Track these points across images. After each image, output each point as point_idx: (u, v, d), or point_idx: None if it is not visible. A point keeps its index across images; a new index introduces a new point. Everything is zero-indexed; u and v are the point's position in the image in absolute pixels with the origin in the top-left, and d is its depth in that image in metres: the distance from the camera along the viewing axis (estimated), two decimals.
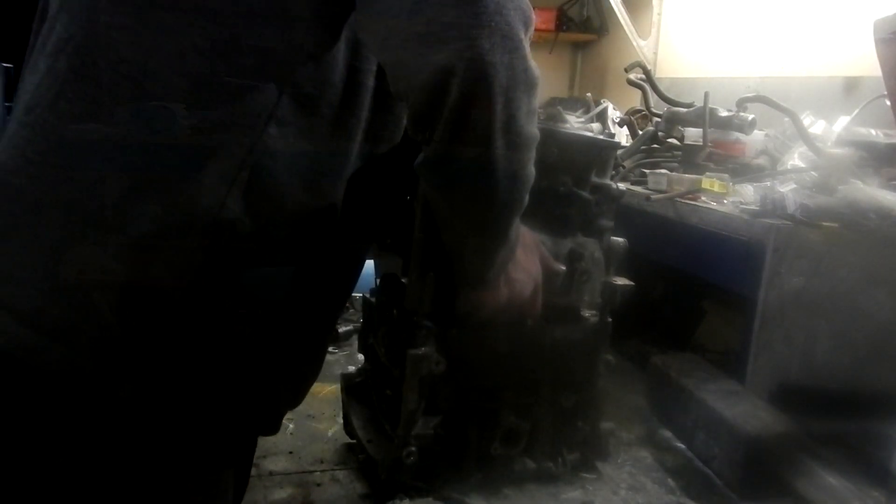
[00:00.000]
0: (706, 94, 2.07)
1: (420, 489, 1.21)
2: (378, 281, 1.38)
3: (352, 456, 1.42)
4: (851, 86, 2.47)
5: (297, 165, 0.82)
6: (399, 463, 1.19)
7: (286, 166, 0.81)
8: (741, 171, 1.97)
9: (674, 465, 1.40)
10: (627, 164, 2.15)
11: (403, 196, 1.05)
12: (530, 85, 0.80)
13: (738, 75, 3.04)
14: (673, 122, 2.19)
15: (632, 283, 1.29)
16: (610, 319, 1.29)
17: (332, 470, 1.39)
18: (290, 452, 1.43)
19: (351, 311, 2.22)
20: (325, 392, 1.70)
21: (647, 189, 1.97)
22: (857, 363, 1.60)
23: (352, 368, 1.63)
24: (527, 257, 1.03)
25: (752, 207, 1.65)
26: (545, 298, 1.10)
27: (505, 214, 0.89)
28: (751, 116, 2.03)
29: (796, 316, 1.57)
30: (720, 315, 2.15)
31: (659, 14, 3.81)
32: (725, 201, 1.76)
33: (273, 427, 0.95)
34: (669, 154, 2.17)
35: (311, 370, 0.98)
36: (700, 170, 1.96)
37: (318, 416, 1.59)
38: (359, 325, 1.61)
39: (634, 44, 3.74)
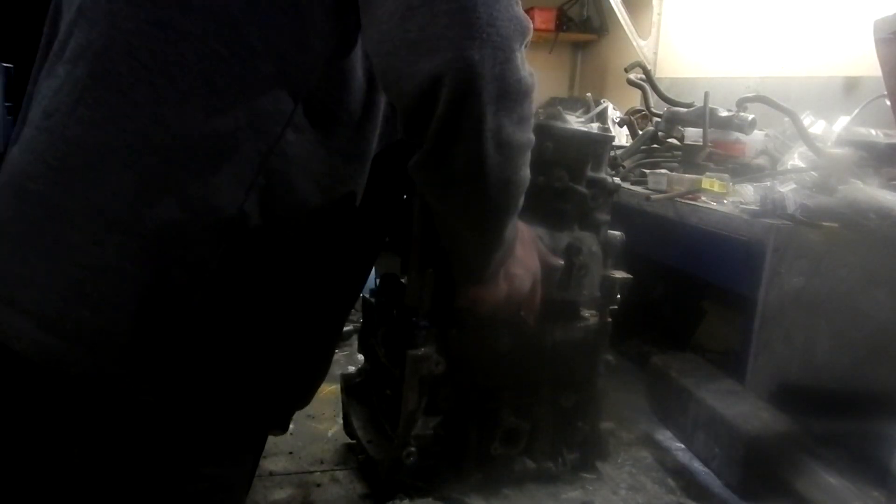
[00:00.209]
0: (706, 94, 2.07)
1: (420, 489, 1.21)
2: (378, 281, 1.38)
3: (352, 456, 1.42)
4: (851, 86, 2.47)
5: (315, 171, 0.83)
6: (399, 463, 1.19)
7: (303, 172, 0.82)
8: (741, 171, 1.97)
9: (674, 465, 1.40)
10: (627, 164, 2.15)
11: (401, 194, 1.05)
12: (522, 95, 0.80)
13: (738, 75, 3.04)
14: (673, 122, 2.19)
15: (630, 276, 1.29)
16: (610, 319, 1.30)
17: (332, 470, 1.39)
18: (290, 452, 1.43)
19: (351, 310, 2.22)
20: (325, 392, 1.70)
21: (647, 189, 1.97)
22: (857, 363, 1.60)
23: (352, 368, 1.63)
24: (525, 253, 1.04)
25: (752, 207, 1.65)
26: (544, 293, 1.10)
27: (498, 217, 0.90)
28: (751, 116, 2.03)
29: (796, 316, 1.57)
30: (720, 315, 2.16)
31: (659, 14, 3.81)
32: (725, 201, 1.76)
33: (283, 425, 0.95)
34: (669, 154, 2.18)
35: (320, 369, 0.98)
36: (700, 170, 1.96)
37: (318, 416, 1.59)
38: (359, 325, 1.61)
39: (634, 44, 3.74)
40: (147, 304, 0.77)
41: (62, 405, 0.80)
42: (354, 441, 1.40)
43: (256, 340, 0.84)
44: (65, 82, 0.81)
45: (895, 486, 1.25)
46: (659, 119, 2.26)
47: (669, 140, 2.21)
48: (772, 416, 1.39)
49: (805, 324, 1.58)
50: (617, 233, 1.30)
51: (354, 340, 1.91)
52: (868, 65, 1.95)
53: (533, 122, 0.85)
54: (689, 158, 2.05)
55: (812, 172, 1.75)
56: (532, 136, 0.86)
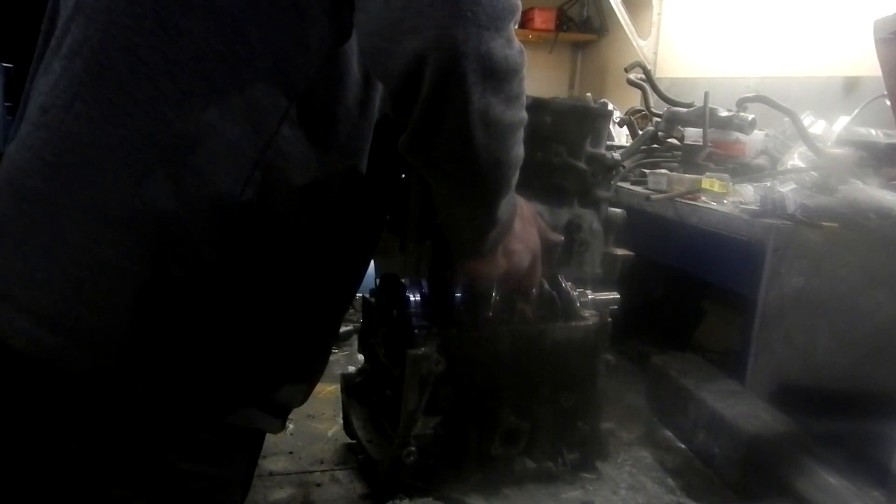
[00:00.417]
0: (706, 94, 2.07)
1: (420, 489, 1.21)
2: (378, 281, 1.38)
3: (352, 456, 1.42)
4: (851, 86, 2.47)
5: (311, 167, 0.83)
6: (399, 463, 1.19)
7: (300, 168, 0.82)
8: (741, 171, 1.97)
9: (674, 465, 1.40)
10: (627, 164, 2.15)
11: (399, 173, 1.04)
12: (511, 73, 0.78)
13: (738, 75, 3.04)
14: (673, 122, 2.19)
15: (632, 253, 1.28)
16: (610, 319, 1.29)
17: (332, 470, 1.39)
18: (290, 452, 1.43)
19: (351, 311, 2.22)
20: (325, 392, 1.70)
21: (647, 189, 1.97)
22: (857, 363, 1.60)
23: (352, 368, 1.63)
24: (525, 228, 1.03)
25: (752, 207, 1.65)
26: (544, 269, 1.10)
27: (489, 197, 0.89)
28: (751, 116, 2.03)
29: (796, 316, 1.57)
30: (720, 315, 2.16)
31: (659, 14, 3.81)
32: (725, 201, 1.76)
33: (281, 422, 0.95)
34: (669, 154, 2.18)
35: (318, 366, 0.98)
36: (700, 170, 1.96)
37: (318, 416, 1.59)
38: (359, 325, 1.61)
39: (634, 44, 3.74)
40: (145, 301, 0.77)
41: (60, 403, 0.80)
42: (354, 441, 1.40)
43: (253, 337, 0.85)
44: (61, 78, 0.81)
45: (895, 486, 1.25)
46: (659, 119, 2.26)
47: (669, 140, 2.21)
48: (772, 416, 1.39)
49: (805, 324, 1.58)
50: (618, 210, 1.29)
51: (354, 340, 1.91)
52: (868, 65, 1.95)
53: (525, 99, 0.84)
54: (689, 158, 2.05)
55: (812, 172, 1.75)
56: (524, 115, 0.84)
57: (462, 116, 0.77)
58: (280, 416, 0.93)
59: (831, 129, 2.13)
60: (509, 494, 1.24)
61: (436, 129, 0.79)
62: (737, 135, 2.06)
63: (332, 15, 0.80)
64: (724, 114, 2.07)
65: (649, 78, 2.53)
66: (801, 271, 1.55)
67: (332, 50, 0.81)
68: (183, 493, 0.86)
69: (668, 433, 1.51)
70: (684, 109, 2.19)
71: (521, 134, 0.86)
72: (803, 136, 1.94)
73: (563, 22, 4.71)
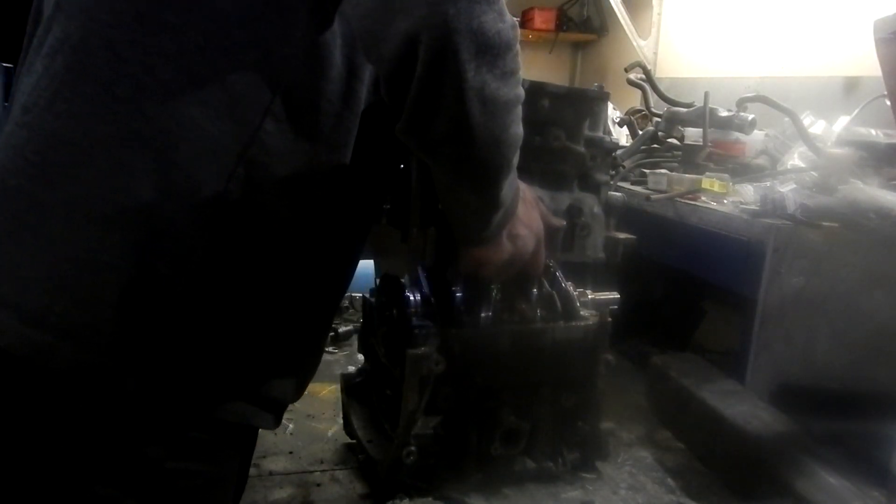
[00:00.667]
0: (706, 94, 2.07)
1: (420, 489, 1.21)
2: (378, 281, 1.38)
3: (352, 456, 1.42)
4: (851, 86, 2.48)
5: (296, 161, 0.83)
6: (399, 463, 1.19)
7: (284, 162, 0.82)
8: (741, 171, 1.97)
9: (674, 465, 1.40)
10: (627, 164, 2.15)
11: (389, 163, 1.03)
12: (505, 48, 0.77)
13: (738, 75, 3.04)
14: (673, 122, 2.19)
15: (633, 236, 1.28)
16: (610, 319, 1.29)
17: (332, 470, 1.39)
18: (290, 452, 1.43)
19: (351, 311, 2.22)
20: (325, 392, 1.70)
21: (647, 189, 1.97)
22: (857, 363, 1.60)
23: (352, 368, 1.63)
24: (528, 212, 1.02)
25: (752, 207, 1.65)
26: (547, 254, 1.08)
27: (491, 177, 0.87)
28: (751, 116, 2.03)
29: (796, 316, 1.57)
30: (720, 315, 2.16)
31: (659, 14, 3.81)
32: (725, 201, 1.76)
33: (275, 420, 0.94)
34: (669, 154, 2.18)
35: (310, 362, 0.97)
36: (700, 170, 1.96)
37: (318, 416, 1.59)
38: (359, 325, 1.61)
39: (634, 44, 3.74)
40: (130, 297, 0.77)
41: (46, 400, 0.80)
42: (354, 441, 1.40)
43: (241, 332, 0.84)
44: (42, 77, 0.81)
45: (895, 486, 1.25)
46: (659, 119, 2.26)
47: (669, 140, 2.21)
48: (772, 416, 1.39)
49: (805, 324, 1.58)
50: (618, 193, 1.28)
51: (354, 340, 1.91)
52: (868, 65, 1.95)
53: (520, 75, 0.82)
54: (689, 158, 2.05)
55: (812, 172, 1.75)
56: (520, 91, 0.83)
57: (458, 94, 0.76)
58: (272, 412, 0.92)
59: (831, 129, 2.14)
60: (509, 494, 1.24)
61: (432, 110, 0.78)
62: (737, 135, 2.06)
63: (315, 5, 0.80)
64: (724, 114, 2.07)
65: (649, 78, 2.53)
66: (801, 271, 1.55)
67: (314, 39, 0.80)
68: (171, 492, 0.85)
69: (668, 433, 1.51)
70: (684, 109, 2.19)
71: (518, 112, 0.84)
72: (803, 136, 1.94)
73: (563, 22, 4.71)
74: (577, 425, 1.30)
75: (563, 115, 1.17)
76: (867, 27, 1.68)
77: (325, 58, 0.82)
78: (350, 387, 1.46)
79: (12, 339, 0.77)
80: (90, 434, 0.80)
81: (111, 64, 0.77)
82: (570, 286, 1.31)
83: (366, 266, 2.34)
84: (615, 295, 1.36)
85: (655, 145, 2.23)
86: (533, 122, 1.08)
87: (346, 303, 2.24)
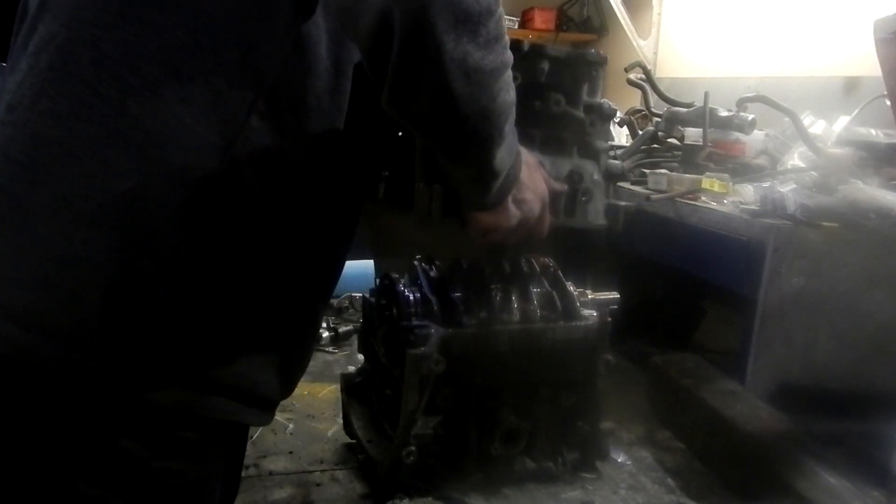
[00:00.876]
0: (706, 94, 2.07)
1: (420, 489, 1.21)
2: (378, 281, 1.38)
3: (352, 456, 1.42)
4: (851, 86, 2.48)
5: (283, 158, 0.82)
6: (399, 463, 1.19)
7: (270, 159, 0.81)
8: (741, 171, 1.97)
9: (674, 465, 1.40)
10: (627, 164, 2.15)
11: (378, 155, 1.02)
12: (485, 14, 0.75)
13: (738, 75, 3.04)
14: (673, 122, 2.19)
15: (634, 204, 1.27)
16: (610, 319, 1.30)
17: (332, 470, 1.39)
18: (290, 452, 1.43)
19: (351, 311, 2.22)
20: (325, 392, 1.70)
21: (647, 189, 1.97)
22: (857, 363, 1.60)
23: (352, 368, 1.63)
24: (532, 176, 1.01)
25: (752, 207, 1.65)
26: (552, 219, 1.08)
27: (483, 148, 0.86)
28: (751, 116, 2.03)
29: (796, 316, 1.57)
30: (720, 315, 2.16)
31: (659, 14, 3.81)
32: (725, 201, 1.76)
33: (263, 417, 0.94)
34: (669, 154, 2.18)
35: (298, 358, 0.96)
36: (700, 170, 1.96)
37: (318, 416, 1.59)
38: (359, 325, 1.61)
39: (634, 44, 3.74)
40: (116, 295, 0.77)
41: (29, 400, 0.79)
42: (354, 441, 1.40)
43: (227, 329, 0.84)
44: (27, 76, 0.80)
45: (895, 486, 1.25)
46: (659, 119, 2.26)
47: (669, 140, 2.21)
48: (772, 416, 1.39)
49: (805, 324, 1.58)
50: (617, 161, 1.28)
51: (354, 340, 1.91)
52: (868, 65, 1.95)
53: (507, 39, 0.80)
54: (689, 158, 2.05)
55: (812, 172, 1.75)
56: (507, 57, 0.81)
57: (438, 69, 0.74)
58: (259, 408, 0.91)
59: (831, 129, 2.14)
60: (509, 494, 1.24)
61: (413, 86, 0.76)
62: (737, 135, 2.06)
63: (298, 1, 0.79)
64: (724, 114, 2.07)
65: (649, 78, 2.53)
66: (801, 271, 1.55)
67: (299, 34, 0.80)
68: (157, 491, 0.85)
69: (668, 433, 1.51)
70: (684, 109, 2.19)
71: (506, 78, 0.82)
72: (803, 136, 1.94)
73: (563, 22, 4.71)
74: (577, 425, 1.30)
75: (562, 79, 1.16)
76: (867, 27, 1.68)
77: (310, 53, 0.81)
78: (350, 387, 1.46)
79: None
80: (75, 433, 0.80)
81: (95, 63, 0.77)
82: (570, 286, 1.31)
83: (366, 266, 2.34)
84: (615, 295, 1.36)
85: (655, 145, 2.23)
86: (533, 86, 1.07)
87: (346, 303, 2.25)
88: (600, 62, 1.20)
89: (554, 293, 1.28)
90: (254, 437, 1.45)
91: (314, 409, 1.62)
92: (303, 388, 1.72)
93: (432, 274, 1.32)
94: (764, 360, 1.58)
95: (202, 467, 0.89)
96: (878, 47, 1.66)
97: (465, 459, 1.24)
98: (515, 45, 1.07)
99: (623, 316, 1.34)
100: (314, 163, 0.86)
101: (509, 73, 0.82)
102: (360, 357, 1.51)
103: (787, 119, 2.06)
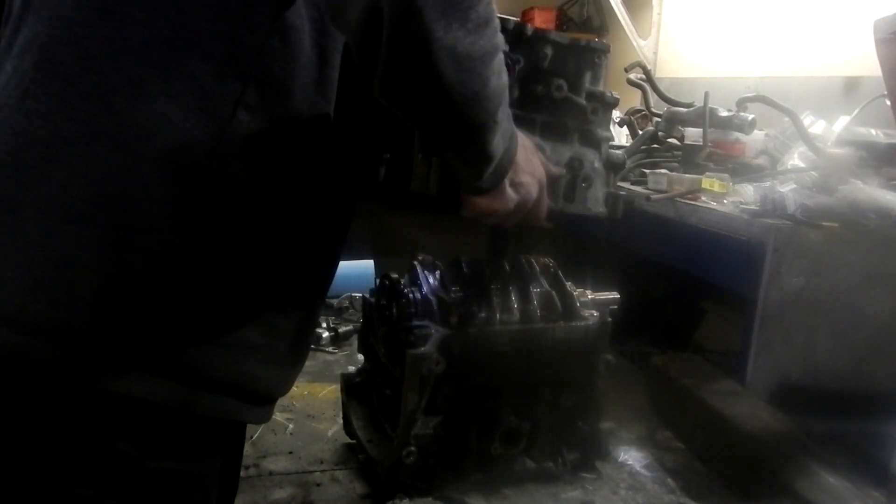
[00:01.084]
0: (706, 94, 2.07)
1: (420, 489, 1.21)
2: (378, 281, 1.38)
3: (352, 456, 1.42)
4: (851, 86, 2.47)
5: (271, 151, 0.82)
6: (399, 463, 1.19)
7: (259, 152, 0.81)
8: (741, 171, 1.97)
9: (674, 465, 1.40)
10: (627, 164, 2.15)
11: (368, 148, 1.02)
12: None
13: (738, 75, 3.04)
14: (673, 122, 2.19)
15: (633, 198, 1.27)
16: (610, 319, 1.30)
17: (332, 470, 1.39)
18: (290, 452, 1.43)
19: (351, 311, 2.22)
20: (325, 392, 1.70)
21: (647, 189, 1.97)
22: (857, 363, 1.60)
23: (352, 368, 1.63)
24: (529, 159, 1.00)
25: (752, 207, 1.65)
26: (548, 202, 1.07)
27: (475, 132, 0.85)
28: (751, 116, 2.03)
29: (796, 316, 1.57)
30: (720, 315, 2.16)
31: (659, 14, 3.81)
32: (725, 201, 1.76)
33: (260, 414, 0.93)
34: (669, 154, 2.18)
35: (293, 357, 0.96)
36: (700, 170, 1.96)
37: (318, 416, 1.59)
38: (359, 325, 1.61)
39: (634, 44, 3.74)
40: (108, 294, 0.76)
41: (24, 400, 0.79)
42: (354, 441, 1.40)
43: (220, 326, 0.83)
44: (12, 77, 0.80)
45: (895, 486, 1.25)
46: (659, 119, 2.26)
47: (669, 140, 2.21)
48: (772, 416, 1.39)
49: (805, 324, 1.58)
50: (618, 151, 1.28)
51: (354, 340, 1.91)
52: (868, 65, 1.95)
53: (497, 22, 0.80)
54: (689, 158, 2.05)
55: (812, 172, 1.75)
56: (498, 40, 0.81)
57: (428, 58, 0.74)
58: (257, 404, 0.91)
59: (831, 129, 2.13)
60: (509, 494, 1.24)
61: (404, 75, 0.76)
62: (737, 135, 2.06)
63: None
64: (724, 114, 2.07)
65: (649, 78, 2.53)
66: (801, 271, 1.55)
67: (282, 25, 0.79)
68: (152, 492, 0.84)
69: (668, 433, 1.51)
70: (684, 109, 2.19)
71: (498, 61, 0.81)
72: (803, 136, 1.94)
73: (563, 22, 4.70)
74: (577, 425, 1.30)
75: (565, 65, 1.15)
76: (867, 27, 1.68)
77: (294, 44, 0.80)
78: (350, 387, 1.46)
79: None
80: (69, 434, 0.80)
81: (78, 61, 0.77)
82: (570, 286, 1.31)
83: (366, 266, 2.35)
84: (615, 295, 1.36)
85: (655, 145, 2.23)
86: (535, 71, 1.07)
87: (346, 303, 2.25)
88: (603, 50, 1.20)
89: (554, 293, 1.28)
90: (254, 437, 1.45)
91: (314, 409, 1.62)
92: (303, 388, 1.72)
93: (432, 274, 1.32)
94: (764, 360, 1.58)
95: (198, 467, 0.88)
96: (878, 47, 1.66)
97: (465, 459, 1.24)
98: (518, 29, 1.07)
99: (623, 316, 1.34)
100: (304, 155, 0.85)
101: (501, 57, 0.82)
102: (360, 357, 1.51)
103: (787, 119, 2.06)
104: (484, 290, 1.26)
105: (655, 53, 3.78)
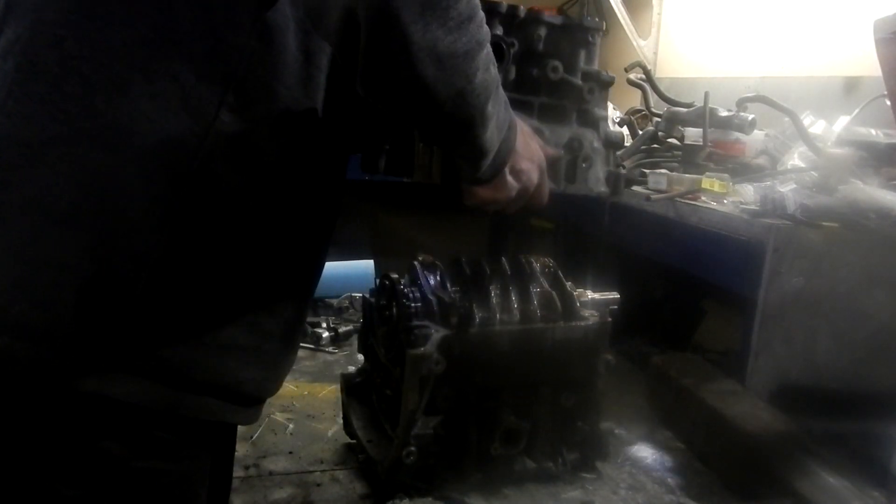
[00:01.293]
0: (706, 94, 2.07)
1: (420, 489, 1.21)
2: (378, 281, 1.38)
3: (352, 456, 1.42)
4: (851, 86, 2.47)
5: (256, 152, 0.82)
6: (399, 463, 1.19)
7: (243, 153, 0.80)
8: (741, 171, 1.97)
9: (674, 465, 1.40)
10: (627, 164, 2.15)
11: (358, 144, 1.02)
12: None
13: (738, 75, 3.04)
14: (673, 121, 2.19)
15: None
16: (610, 319, 1.30)
17: (332, 470, 1.39)
18: (290, 452, 1.43)
19: (351, 311, 2.22)
20: (325, 392, 1.70)
21: (647, 189, 1.97)
22: (857, 363, 1.60)
23: (352, 368, 1.63)
24: (528, 145, 1.00)
25: (752, 207, 1.65)
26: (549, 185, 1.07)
27: (464, 128, 0.85)
28: (751, 116, 2.03)
29: (796, 316, 1.57)
30: (720, 315, 2.16)
31: (659, 14, 3.81)
32: (725, 201, 1.76)
33: (247, 415, 0.92)
34: (669, 154, 2.18)
35: (279, 357, 0.95)
36: (700, 170, 1.96)
37: (318, 416, 1.59)
38: (359, 325, 1.61)
39: (634, 44, 3.73)
40: (90, 295, 0.76)
41: (6, 402, 0.79)
42: (354, 441, 1.40)
43: (204, 327, 0.83)
44: None
45: (895, 486, 1.25)
46: (659, 119, 2.26)
47: (669, 140, 2.21)
48: (772, 416, 1.39)
49: (805, 324, 1.58)
50: (617, 129, 1.28)
51: (354, 340, 1.91)
52: (868, 65, 1.95)
53: (481, 16, 0.80)
54: (689, 158, 2.05)
55: (812, 172, 1.75)
56: (482, 35, 0.81)
57: (406, 59, 0.74)
58: (244, 405, 0.90)
59: (831, 129, 2.13)
60: (509, 494, 1.24)
61: (384, 77, 0.77)
62: (737, 135, 2.06)
63: None
64: (724, 114, 2.07)
65: (649, 78, 2.53)
66: (801, 271, 1.55)
67: (265, 25, 0.79)
68: (138, 492, 0.84)
69: (668, 433, 1.51)
70: (684, 109, 2.19)
71: (484, 56, 0.81)
72: (803, 136, 1.94)
73: None
74: (577, 425, 1.30)
75: (559, 46, 1.16)
76: (867, 27, 1.68)
77: (277, 44, 0.80)
78: (350, 387, 1.46)
79: None
80: (53, 435, 0.80)
81: (60, 62, 0.77)
82: (570, 286, 1.31)
83: (366, 266, 2.35)
84: (615, 295, 1.36)
85: (655, 145, 2.23)
86: (530, 53, 1.07)
87: (346, 303, 2.25)
88: (596, 28, 1.20)
89: (554, 293, 1.28)
90: (254, 437, 1.45)
91: (314, 409, 1.62)
92: (303, 388, 1.72)
93: (432, 274, 1.32)
94: (764, 360, 1.58)
95: (185, 467, 0.88)
96: (878, 47, 1.66)
97: (465, 459, 1.24)
98: (511, 12, 1.07)
99: (623, 316, 1.34)
100: (290, 155, 0.85)
101: (487, 51, 0.82)
102: (360, 357, 1.51)
103: (787, 119, 2.06)
104: (484, 290, 1.26)
105: (655, 53, 3.77)
